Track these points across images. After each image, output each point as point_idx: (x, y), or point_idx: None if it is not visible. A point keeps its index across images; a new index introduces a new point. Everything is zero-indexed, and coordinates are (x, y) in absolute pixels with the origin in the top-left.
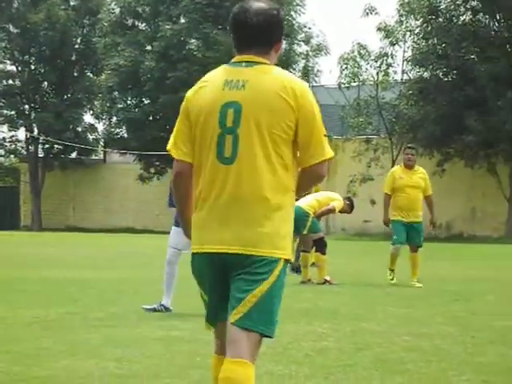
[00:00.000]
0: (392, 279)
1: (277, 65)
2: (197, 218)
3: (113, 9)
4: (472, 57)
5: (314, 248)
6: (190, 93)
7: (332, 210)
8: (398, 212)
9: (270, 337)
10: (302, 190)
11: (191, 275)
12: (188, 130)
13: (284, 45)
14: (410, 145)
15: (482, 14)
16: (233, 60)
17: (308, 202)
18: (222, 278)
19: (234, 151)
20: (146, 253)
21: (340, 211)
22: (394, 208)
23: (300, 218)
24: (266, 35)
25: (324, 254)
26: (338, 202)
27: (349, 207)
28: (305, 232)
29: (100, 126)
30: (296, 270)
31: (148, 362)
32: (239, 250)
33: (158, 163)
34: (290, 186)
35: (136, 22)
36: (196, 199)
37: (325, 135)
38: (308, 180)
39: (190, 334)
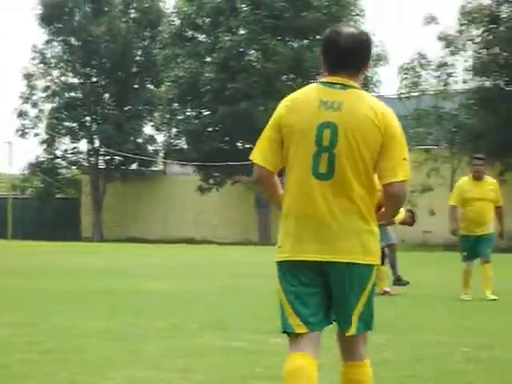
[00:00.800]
0: (467, 299)
1: None
2: (288, 228)
3: (173, 21)
4: None
5: None
6: (282, 108)
7: (392, 222)
8: (466, 226)
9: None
10: (386, 213)
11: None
12: (276, 141)
13: None
14: (477, 155)
15: None
16: (324, 80)
17: None
18: (323, 285)
19: (331, 169)
20: (205, 264)
21: (401, 223)
22: (462, 221)
23: None
24: (356, 59)
25: (383, 264)
26: (399, 213)
27: (410, 219)
28: None
29: (160, 138)
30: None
31: (209, 372)
32: (342, 259)
33: (217, 174)
34: (375, 202)
35: (195, 34)
36: (286, 210)
37: (405, 158)
38: (385, 201)
39: (251, 345)
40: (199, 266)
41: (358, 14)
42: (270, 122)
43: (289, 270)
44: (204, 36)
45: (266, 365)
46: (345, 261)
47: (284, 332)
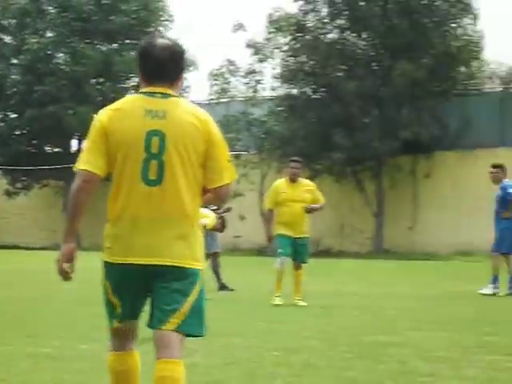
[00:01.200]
0: (278, 303)
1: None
2: (116, 231)
3: None
4: (339, 74)
5: None
6: (104, 117)
7: (203, 227)
8: (282, 227)
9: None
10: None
11: None
12: (100, 149)
13: None
14: (294, 158)
15: (348, 33)
16: (144, 90)
17: None
18: (145, 286)
19: (160, 175)
20: (13, 270)
21: (211, 229)
22: (278, 223)
23: None
24: (171, 69)
25: None
26: (209, 219)
27: (221, 226)
28: None
29: None
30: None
31: (19, 379)
32: (168, 262)
33: (24, 178)
34: (200, 204)
35: (1, 35)
36: (115, 214)
37: (228, 160)
38: (213, 200)
39: (59, 351)
40: (8, 271)
41: (167, 20)
42: (91, 133)
43: (117, 270)
44: (10, 38)
45: (73, 371)
46: (173, 264)
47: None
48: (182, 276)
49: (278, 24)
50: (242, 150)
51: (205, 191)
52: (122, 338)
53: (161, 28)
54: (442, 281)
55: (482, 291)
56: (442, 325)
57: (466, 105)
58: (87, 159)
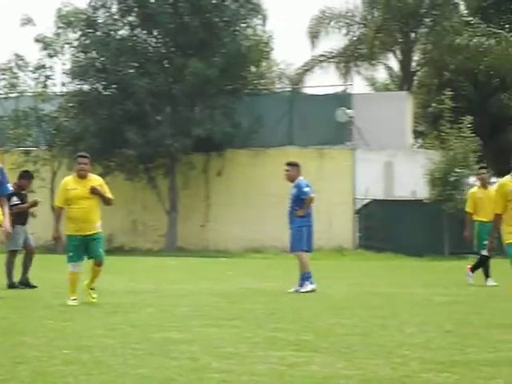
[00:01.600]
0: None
1: None
2: None
3: None
4: (131, 71)
5: None
6: None
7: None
8: (73, 226)
9: None
10: None
11: None
12: None
13: None
14: (82, 153)
15: (139, 30)
16: None
17: None
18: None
19: None
20: None
21: None
22: (69, 222)
23: None
24: None
25: None
26: None
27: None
28: None
29: None
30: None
31: None
32: None
33: None
34: None
35: None
36: None
37: None
38: None
39: None
40: None
41: None
42: None
43: None
44: None
45: None
46: None
47: None
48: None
49: (67, 19)
50: (33, 145)
51: None
52: None
53: None
54: (233, 277)
55: (302, 289)
56: (232, 321)
57: (257, 104)
58: None
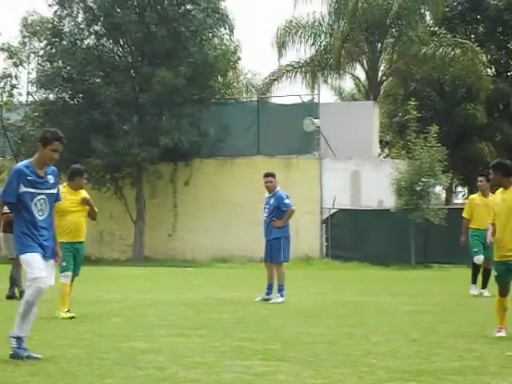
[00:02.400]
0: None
1: None
2: None
3: None
4: (97, 80)
5: None
6: None
7: None
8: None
9: None
10: None
11: None
12: None
13: None
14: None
15: (105, 39)
16: None
17: None
18: None
19: None
20: None
21: None
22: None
23: None
24: None
25: None
26: None
27: None
28: None
29: None
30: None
31: None
32: None
33: None
34: None
35: None
36: None
37: None
38: None
39: None
40: None
41: None
42: None
43: None
44: None
45: None
46: None
47: None
48: None
49: (33, 28)
50: None
51: None
52: None
53: None
54: (200, 287)
55: (272, 301)
56: (198, 330)
57: (224, 113)
58: None
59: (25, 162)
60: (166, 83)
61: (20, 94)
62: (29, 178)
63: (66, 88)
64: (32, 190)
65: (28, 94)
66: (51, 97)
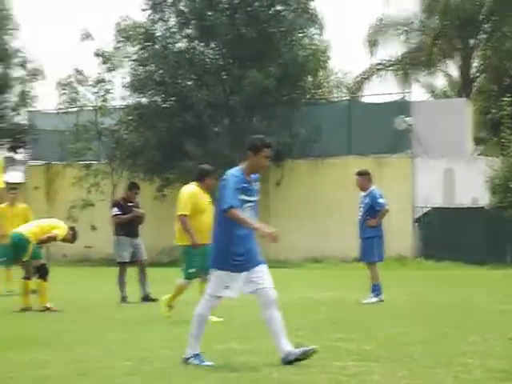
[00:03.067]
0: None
1: None
2: None
3: None
4: (189, 83)
5: (36, 275)
6: None
7: (53, 238)
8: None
9: None
10: None
11: None
12: None
13: (0, 69)
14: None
15: (197, 42)
16: None
17: (30, 229)
18: None
19: None
20: None
21: (62, 240)
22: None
23: (21, 244)
24: None
25: (45, 280)
26: (60, 229)
27: (72, 237)
28: (26, 258)
29: None
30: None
31: None
32: None
33: None
34: None
35: None
36: None
37: None
38: None
39: None
40: None
41: (13, 29)
42: None
43: None
44: None
45: None
46: None
47: None
48: None
49: (126, 33)
50: (93, 159)
51: None
52: None
53: (6, 37)
54: (293, 287)
55: (365, 301)
56: (292, 331)
57: (315, 113)
58: None
59: (236, 169)
60: (256, 84)
61: (114, 99)
62: (244, 185)
63: (158, 91)
64: (245, 198)
65: (122, 98)
66: (144, 100)
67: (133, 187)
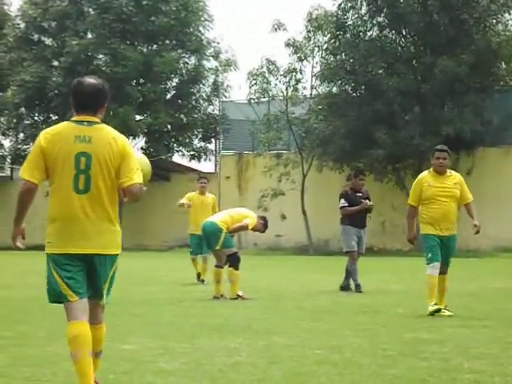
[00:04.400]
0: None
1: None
2: (56, 229)
3: (18, 24)
4: (380, 72)
5: (228, 263)
6: (42, 140)
7: (245, 227)
8: (430, 225)
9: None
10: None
11: None
12: (41, 164)
13: (193, 60)
14: (439, 146)
15: (388, 30)
16: (74, 118)
17: (221, 218)
18: (84, 269)
19: (87, 186)
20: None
21: (253, 229)
22: (425, 221)
23: (213, 233)
24: (95, 102)
25: (237, 269)
26: (251, 219)
27: (263, 226)
28: (218, 247)
29: (6, 143)
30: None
31: (58, 380)
32: (97, 251)
33: None
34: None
35: (42, 38)
36: (53, 215)
37: (137, 169)
38: (127, 198)
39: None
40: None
41: (206, 20)
42: (32, 149)
43: (58, 259)
44: (51, 40)
45: (117, 371)
46: (101, 252)
47: (58, 302)
48: (108, 260)
49: (317, 23)
50: (283, 148)
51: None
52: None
53: (201, 28)
54: (483, 277)
55: None
56: (483, 321)
57: (508, 100)
58: (27, 171)
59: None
60: (448, 72)
61: (304, 88)
62: None
63: (348, 80)
64: None
65: (312, 87)
66: (334, 89)
67: (358, 174)
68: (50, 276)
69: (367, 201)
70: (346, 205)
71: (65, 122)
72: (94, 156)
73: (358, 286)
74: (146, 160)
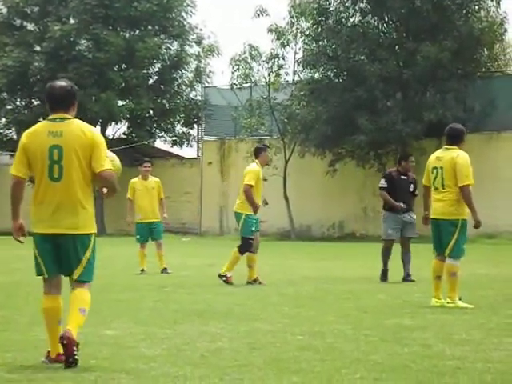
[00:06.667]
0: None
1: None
2: (35, 210)
3: (0, 9)
4: (362, 58)
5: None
6: (24, 138)
7: (249, 193)
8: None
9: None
10: (109, 193)
11: None
12: (24, 160)
13: (175, 45)
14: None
15: (370, 16)
16: (50, 117)
17: (238, 200)
18: (56, 249)
19: (60, 174)
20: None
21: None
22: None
23: (237, 219)
24: (65, 101)
25: (242, 253)
26: (248, 175)
27: (263, 159)
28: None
29: None
30: None
31: (41, 366)
32: (66, 231)
33: None
34: (90, 194)
35: (24, 23)
36: (34, 199)
37: (106, 156)
38: (99, 183)
39: (83, 337)
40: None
41: (188, 5)
42: (18, 148)
43: (37, 238)
44: (33, 25)
45: (99, 356)
46: (71, 232)
47: (39, 275)
48: (79, 240)
49: (300, 8)
50: (266, 134)
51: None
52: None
53: (183, 13)
54: (465, 263)
55: None
56: (465, 308)
57: (490, 87)
58: (14, 167)
59: None
60: (430, 58)
61: (287, 74)
62: None
63: (330, 66)
64: None
65: (294, 73)
66: (316, 75)
67: (407, 156)
68: (34, 253)
69: (401, 203)
70: (385, 186)
71: (42, 121)
72: (65, 148)
73: (407, 276)
74: (117, 162)
